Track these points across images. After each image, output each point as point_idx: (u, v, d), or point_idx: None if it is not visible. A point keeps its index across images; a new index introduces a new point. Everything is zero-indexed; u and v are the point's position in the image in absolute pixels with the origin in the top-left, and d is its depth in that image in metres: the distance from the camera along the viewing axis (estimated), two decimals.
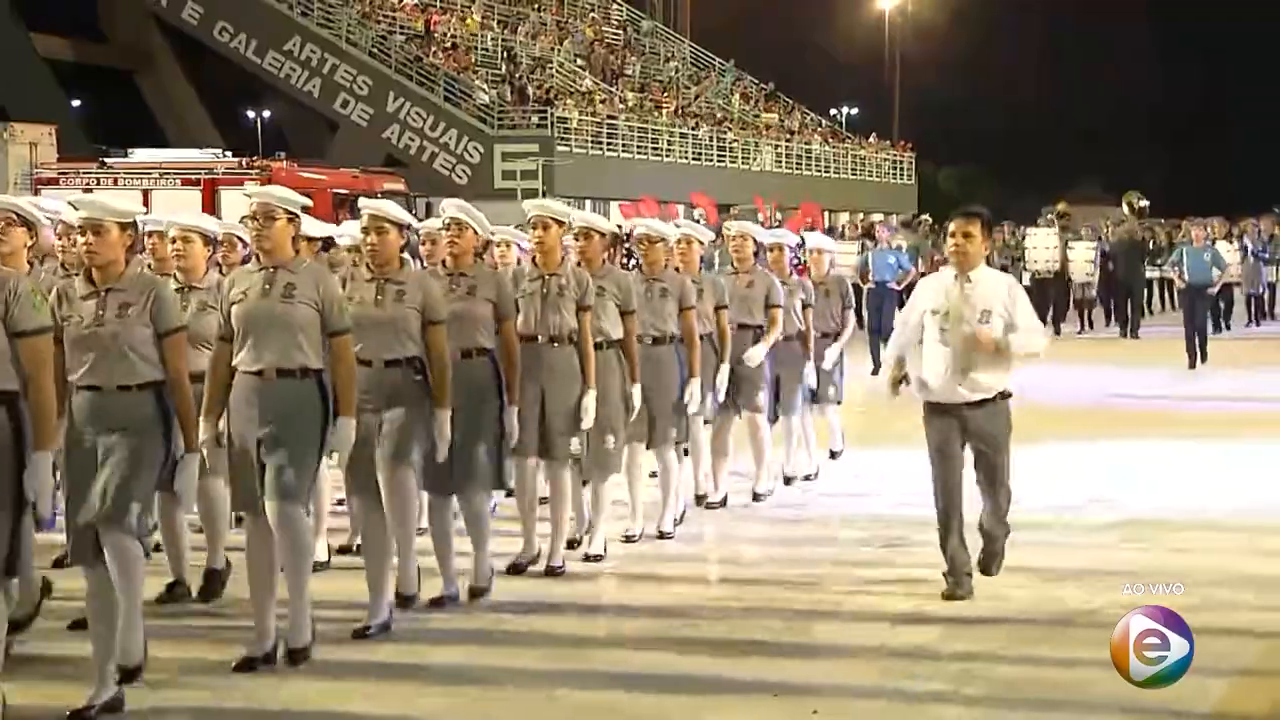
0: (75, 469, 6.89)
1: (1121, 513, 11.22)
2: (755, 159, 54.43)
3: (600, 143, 46.63)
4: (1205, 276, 22.15)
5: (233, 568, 8.73)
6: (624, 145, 47.74)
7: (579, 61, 52.72)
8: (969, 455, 8.80)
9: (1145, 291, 30.32)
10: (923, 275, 30.14)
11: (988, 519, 8.86)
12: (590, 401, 9.39)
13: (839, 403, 13.43)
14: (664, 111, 52.11)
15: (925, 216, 38.50)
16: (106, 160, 29.18)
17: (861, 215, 53.17)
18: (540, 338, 9.33)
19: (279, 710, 7.01)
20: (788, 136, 57.89)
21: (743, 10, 73.23)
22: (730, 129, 54.50)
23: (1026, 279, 30.14)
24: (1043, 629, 8.12)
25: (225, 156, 29.95)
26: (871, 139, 64.00)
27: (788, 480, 12.61)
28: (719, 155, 52.48)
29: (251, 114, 55.58)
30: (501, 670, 7.52)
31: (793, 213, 41.46)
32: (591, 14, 58.57)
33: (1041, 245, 29.31)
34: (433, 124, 44.37)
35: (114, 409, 6.84)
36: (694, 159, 50.98)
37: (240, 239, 9.65)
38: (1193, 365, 21.43)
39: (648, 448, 10.51)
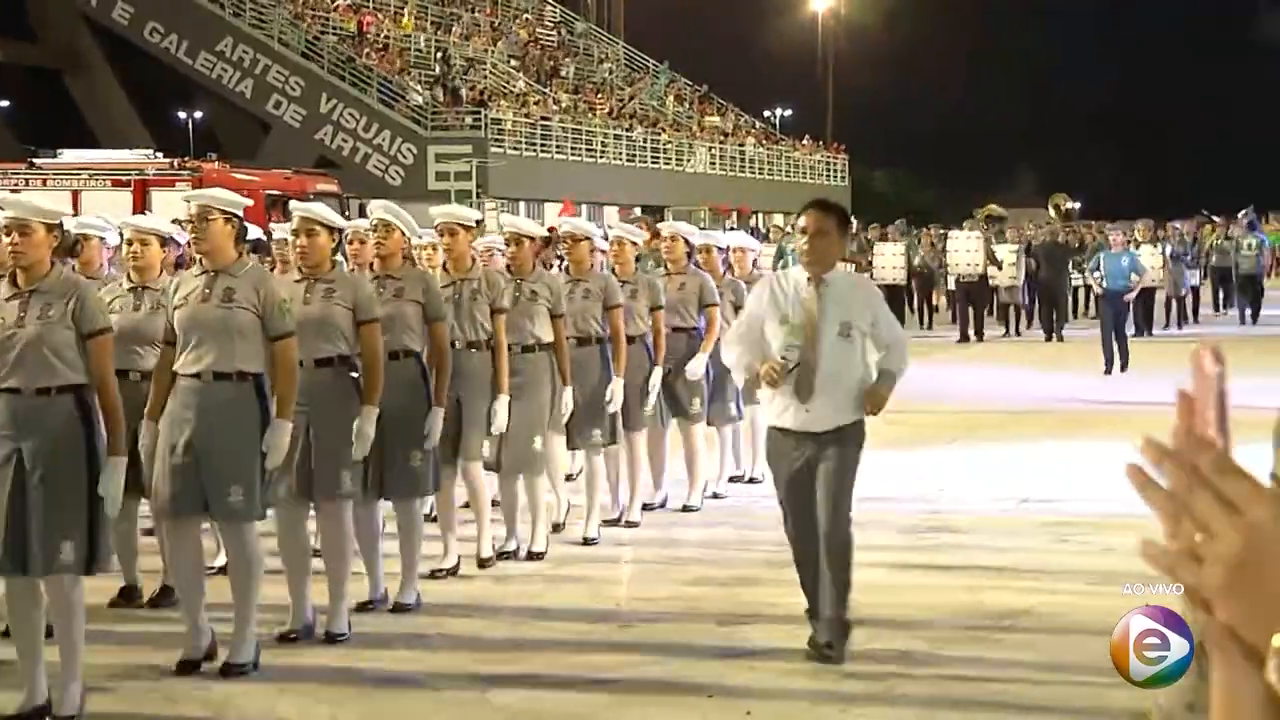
0: None
1: (1053, 514, 11.29)
2: (689, 160, 54.52)
3: (534, 144, 46.59)
4: (1123, 281, 21.78)
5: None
6: (558, 146, 47.72)
7: (513, 63, 52.66)
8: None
9: (1070, 294, 30.18)
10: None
11: (827, 537, 7.49)
12: (500, 406, 9.39)
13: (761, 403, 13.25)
14: (598, 113, 52.13)
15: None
16: (35, 161, 28.95)
17: (795, 217, 53.37)
18: (455, 343, 9.32)
19: (209, 717, 6.97)
20: (722, 138, 58.02)
21: (677, 12, 73.43)
22: (664, 130, 54.57)
23: (950, 282, 30.01)
24: (975, 630, 8.16)
25: (156, 157, 29.76)
26: (805, 141, 64.22)
27: (751, 480, 12.61)
28: (653, 157, 52.55)
29: (183, 115, 55.21)
30: (435, 673, 7.51)
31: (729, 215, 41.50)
32: (525, 15, 58.55)
33: (964, 248, 28.85)
34: (366, 125, 44.22)
35: (33, 412, 6.73)
36: (628, 160, 51.04)
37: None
38: (1109, 370, 21.09)
39: (570, 448, 10.51)
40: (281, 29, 45.27)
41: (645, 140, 52.49)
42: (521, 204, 43.41)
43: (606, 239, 11.23)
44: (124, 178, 27.50)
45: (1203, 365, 1.38)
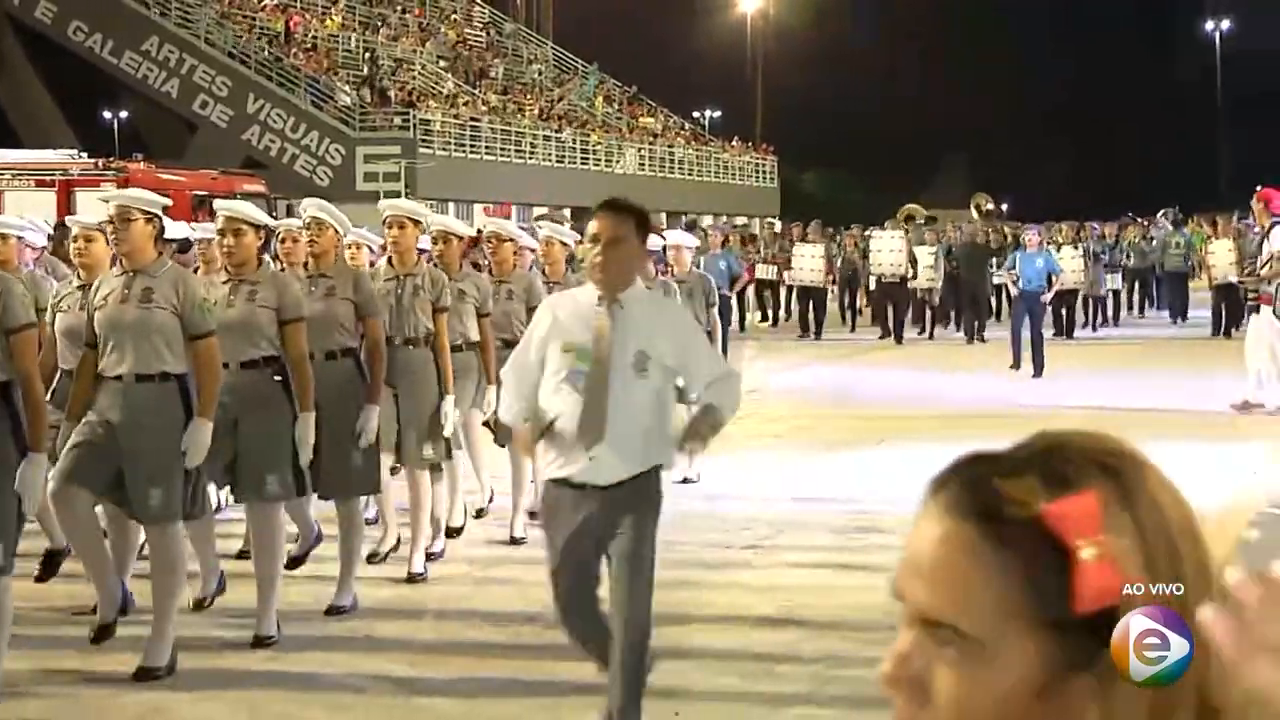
0: None
1: None
2: (618, 162, 54.54)
3: (463, 145, 46.49)
4: (1038, 282, 21.53)
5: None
6: (487, 147, 47.63)
7: (441, 63, 52.52)
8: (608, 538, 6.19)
9: (992, 295, 30.11)
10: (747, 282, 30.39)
11: (624, 625, 6.15)
12: (449, 406, 9.39)
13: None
14: (527, 114, 52.07)
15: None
16: None
17: (725, 218, 53.48)
18: (396, 339, 9.30)
19: None
20: (651, 139, 58.07)
21: (606, 13, 73.38)
22: (593, 132, 54.57)
23: (871, 283, 30.11)
24: None
25: (81, 157, 29.47)
26: (734, 142, 64.37)
27: (685, 480, 12.66)
28: (582, 158, 52.54)
29: (108, 114, 54.78)
30: (360, 676, 7.48)
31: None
32: (453, 16, 58.40)
33: (886, 249, 28.76)
34: (293, 125, 44.01)
35: None
36: (557, 161, 51.00)
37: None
38: (1016, 365, 21.04)
39: (498, 443, 10.52)
40: (208, 29, 44.97)
41: (574, 141, 52.47)
42: (451, 205, 43.26)
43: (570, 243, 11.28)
44: (48, 178, 27.21)
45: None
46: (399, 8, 55.20)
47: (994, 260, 27.74)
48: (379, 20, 52.88)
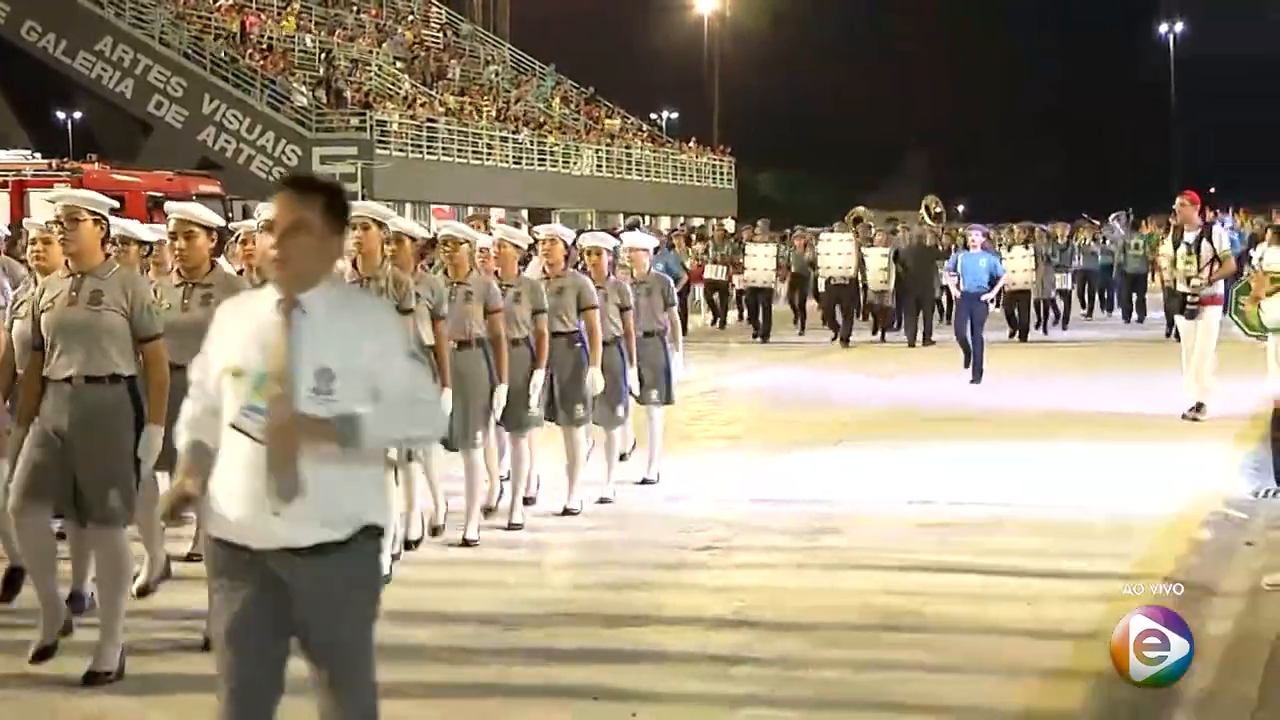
0: None
1: (938, 515, 11.37)
2: (576, 163, 54.51)
3: (420, 146, 46.39)
4: (981, 283, 20.96)
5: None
6: (444, 149, 47.54)
7: (398, 64, 52.39)
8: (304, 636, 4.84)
9: (941, 296, 29.88)
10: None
11: None
12: None
13: (668, 403, 12.99)
14: (484, 115, 51.98)
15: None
16: None
17: (682, 219, 53.53)
18: None
19: None
20: (608, 141, 58.04)
21: (563, 14, 73.32)
22: (551, 133, 54.51)
23: (820, 285, 29.82)
24: (861, 631, 8.20)
25: (34, 158, 29.28)
26: (691, 143, 64.40)
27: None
28: (539, 159, 52.48)
29: (62, 115, 54.45)
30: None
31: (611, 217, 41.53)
32: (410, 16, 58.25)
33: (836, 251, 28.57)
34: (249, 126, 43.85)
35: None
36: (514, 163, 50.94)
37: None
38: (968, 365, 20.67)
39: (448, 449, 10.46)
40: (163, 29, 44.75)
41: (532, 143, 52.42)
42: (407, 206, 43.15)
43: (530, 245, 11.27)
44: (1, 179, 27.03)
45: None
46: (355, 8, 55.05)
47: (941, 262, 27.60)
48: (335, 21, 52.72)
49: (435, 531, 10.76)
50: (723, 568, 9.83)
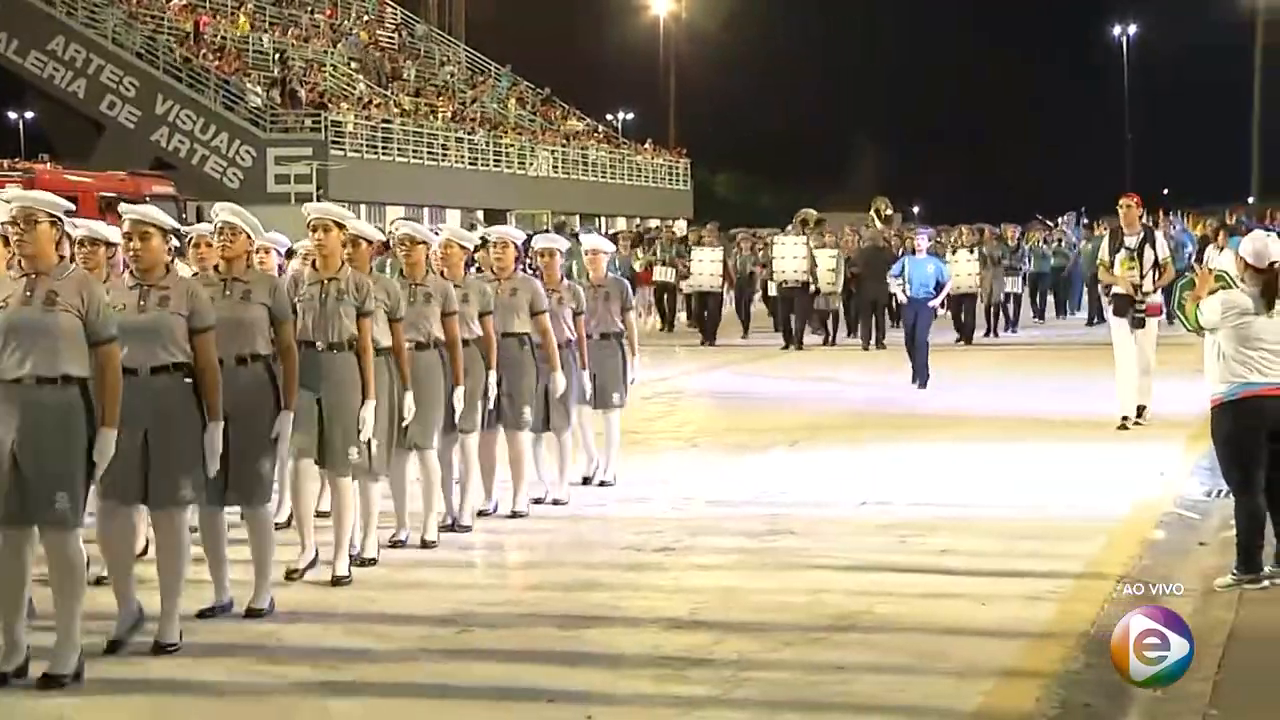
0: None
1: (890, 516, 11.41)
2: (532, 164, 54.46)
3: (375, 147, 46.29)
4: (927, 289, 20.41)
5: None
6: (399, 149, 47.45)
7: (353, 64, 52.27)
8: None
9: (893, 301, 29.49)
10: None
11: None
12: (369, 412, 9.33)
13: (620, 406, 12.93)
14: (440, 116, 51.89)
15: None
16: None
17: (638, 221, 53.55)
18: (319, 344, 9.24)
19: None
20: (564, 142, 58.01)
21: (518, 14, 73.26)
22: (507, 134, 54.45)
23: (772, 288, 29.35)
24: (815, 631, 8.21)
25: None
26: (648, 144, 64.43)
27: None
28: (495, 160, 52.41)
29: (13, 115, 54.10)
30: (271, 683, 7.41)
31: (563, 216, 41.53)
32: (365, 17, 58.09)
33: (790, 255, 28.04)
34: (203, 126, 43.67)
35: None
36: (470, 164, 50.87)
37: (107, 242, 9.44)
38: (923, 384, 20.03)
39: (405, 448, 10.41)
40: (115, 28, 44.53)
41: (487, 144, 52.34)
42: (362, 207, 43.02)
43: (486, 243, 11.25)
44: None
45: None
46: (309, 9, 54.88)
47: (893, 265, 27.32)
48: (289, 21, 52.55)
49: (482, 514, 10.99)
50: (678, 569, 9.83)
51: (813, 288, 27.96)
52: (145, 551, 9.12)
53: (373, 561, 9.84)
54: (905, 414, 17.57)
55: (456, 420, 10.67)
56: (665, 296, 32.51)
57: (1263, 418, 8.95)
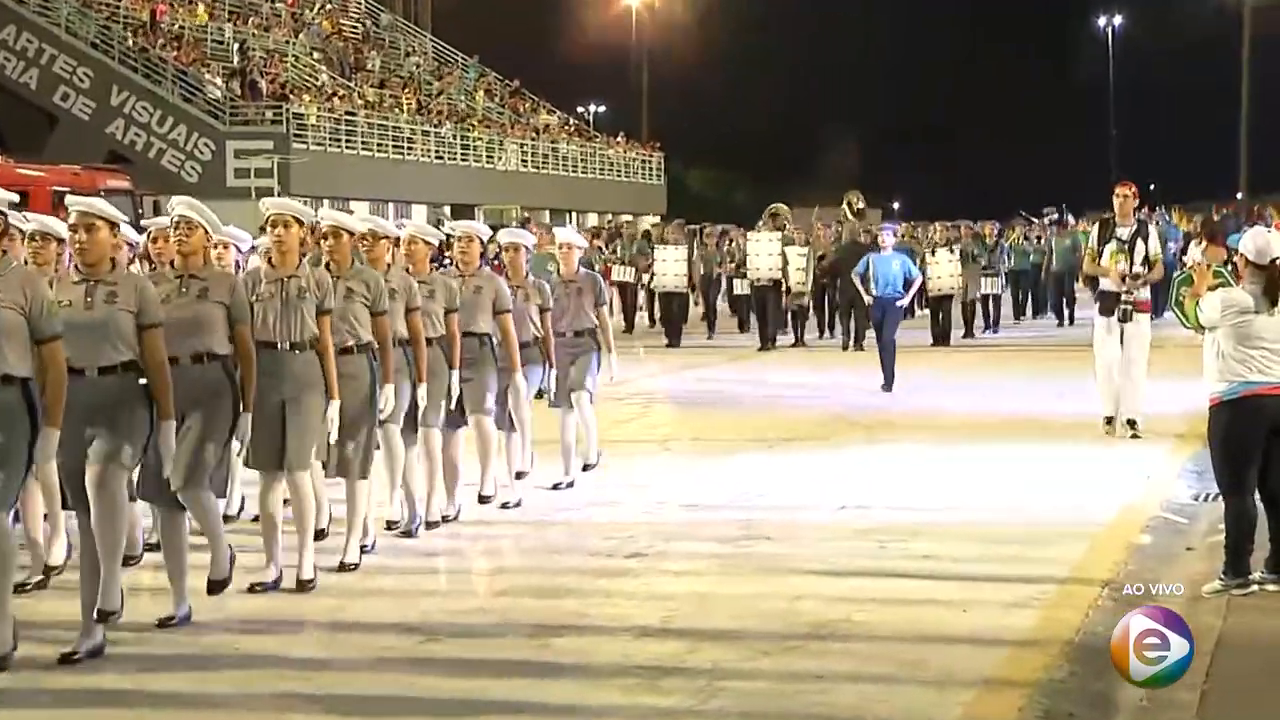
0: None
1: (870, 521, 11.41)
2: (500, 158, 54.40)
3: (339, 140, 46.17)
4: (894, 288, 20.00)
5: None
6: (364, 143, 47.33)
7: (315, 55, 52.11)
8: None
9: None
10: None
11: None
12: (334, 412, 9.32)
13: (589, 391, 12.82)
14: (405, 108, 51.78)
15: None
16: None
17: (610, 216, 53.52)
18: (280, 344, 9.21)
19: None
20: (534, 135, 57.96)
21: (486, 4, 73.21)
22: (474, 127, 54.37)
23: (743, 287, 28.79)
24: (792, 639, 8.20)
25: None
26: (620, 138, 64.41)
27: (519, 475, 12.56)
28: (463, 154, 52.33)
29: None
30: (231, 695, 7.37)
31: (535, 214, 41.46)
32: (328, 6, 57.93)
33: (764, 252, 27.44)
34: (160, 119, 43.49)
35: None
36: (436, 158, 50.78)
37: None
38: (888, 387, 19.72)
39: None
40: (69, 17, 44.32)
41: (454, 137, 52.26)
42: (325, 202, 42.93)
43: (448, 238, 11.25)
44: None
45: None
46: None
47: None
48: (249, 10, 52.38)
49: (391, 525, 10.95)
50: (650, 575, 9.82)
51: (784, 286, 27.64)
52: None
53: (353, 567, 9.84)
54: (884, 416, 17.58)
55: (419, 418, 10.65)
56: (626, 296, 32.06)
57: (1262, 417, 8.97)
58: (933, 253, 28.31)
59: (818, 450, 14.92)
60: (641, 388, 20.81)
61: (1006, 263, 31.68)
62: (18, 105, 45.35)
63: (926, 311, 29.46)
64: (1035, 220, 37.53)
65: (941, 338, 27.83)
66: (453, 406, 11.10)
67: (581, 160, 59.76)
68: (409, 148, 49.63)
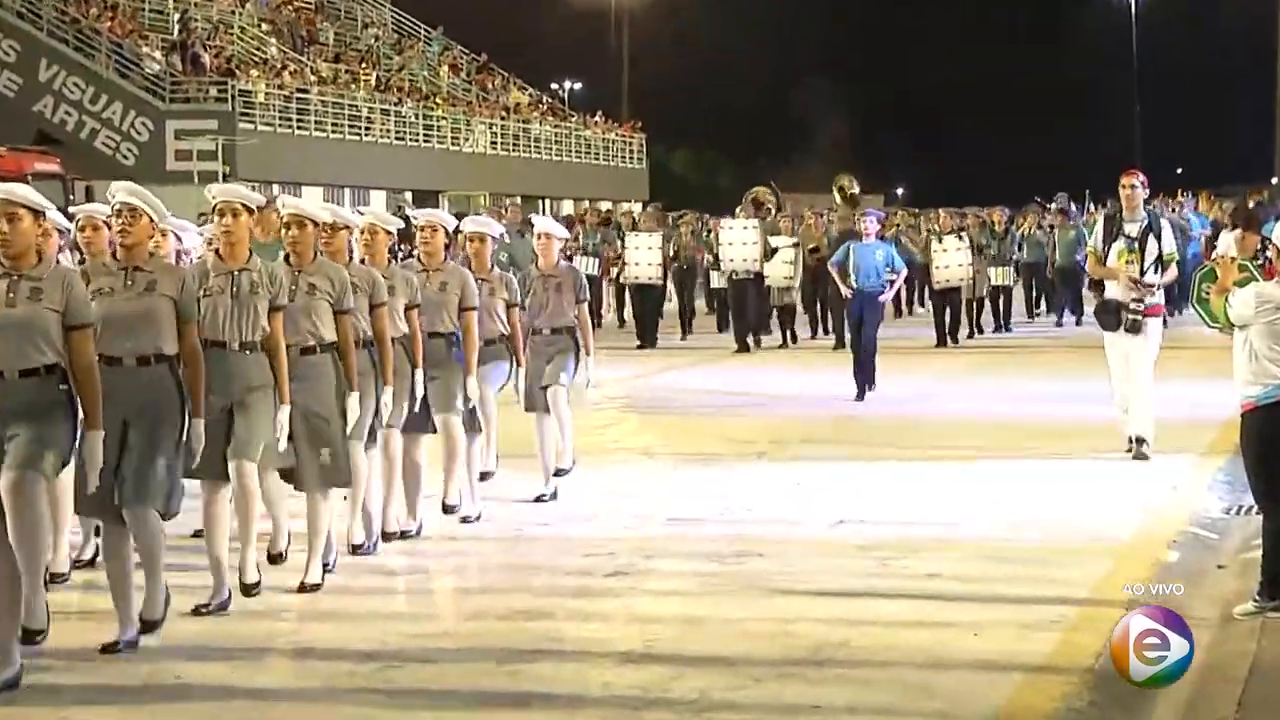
0: None
1: (871, 536, 11.41)
2: (467, 139, 54.38)
3: (289, 120, 46.12)
4: (876, 280, 19.51)
5: None
6: (317, 123, 47.29)
7: (264, 26, 52.05)
8: None
9: None
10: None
11: None
12: (284, 417, 9.31)
13: (565, 386, 12.77)
14: (362, 85, 51.74)
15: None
16: None
17: (587, 202, 53.48)
18: (229, 343, 9.19)
19: None
20: (503, 114, 57.94)
21: None
22: (439, 105, 54.35)
23: (716, 279, 28.40)
24: (785, 665, 8.21)
25: None
26: (598, 118, 64.41)
27: (483, 476, 12.55)
28: (425, 135, 52.31)
29: None
30: None
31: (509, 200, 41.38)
32: None
33: (740, 241, 26.61)
34: (93, 96, 43.42)
35: None
36: (397, 139, 50.74)
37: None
38: (860, 396, 19.32)
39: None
40: None
41: (416, 116, 52.23)
42: (275, 188, 42.87)
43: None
44: None
45: None
46: None
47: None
48: None
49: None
50: (632, 595, 9.82)
51: (767, 281, 26.96)
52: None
53: (315, 587, 9.82)
54: (884, 422, 17.58)
55: (377, 420, 10.64)
56: (590, 291, 31.35)
57: None
58: (940, 240, 27.99)
59: (812, 459, 14.92)
60: (616, 391, 20.77)
61: (1019, 253, 31.36)
62: None
63: (923, 308, 29.26)
64: (1048, 207, 37.39)
65: (950, 336, 27.65)
66: (416, 408, 11.08)
67: (556, 142, 59.76)
68: (367, 128, 49.58)
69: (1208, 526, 11.53)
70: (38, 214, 8.10)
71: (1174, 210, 34.57)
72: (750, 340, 26.85)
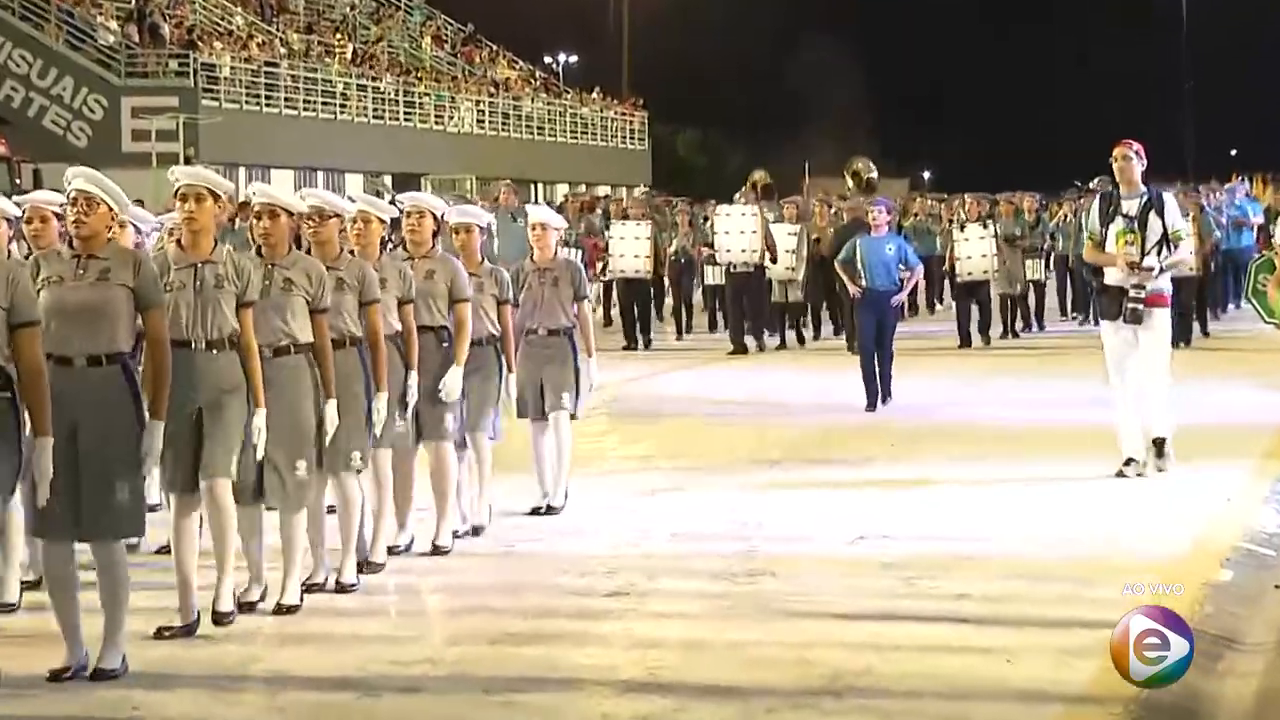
0: None
1: (896, 553, 11.42)
2: (452, 117, 54.43)
3: (257, 96, 46.20)
4: (888, 279, 19.09)
5: None
6: (287, 99, 47.37)
7: None
8: None
9: None
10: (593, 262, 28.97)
11: None
12: (260, 421, 9.32)
13: (571, 411, 12.90)
14: (337, 58, 51.81)
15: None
16: None
17: (584, 186, 53.51)
18: (194, 342, 9.20)
19: None
20: (491, 90, 57.97)
21: None
22: (421, 81, 54.39)
23: (713, 274, 28.16)
24: (801, 696, 8.22)
25: None
26: (595, 94, 64.44)
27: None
28: (406, 113, 52.36)
29: None
30: None
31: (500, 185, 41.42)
32: None
33: (738, 229, 26.28)
34: (42, 70, 43.50)
35: None
36: (375, 117, 50.82)
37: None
38: (871, 406, 19.00)
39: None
40: None
41: (396, 93, 52.28)
42: (241, 170, 42.93)
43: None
44: None
45: None
46: None
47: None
48: None
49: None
50: (633, 618, 9.84)
51: (767, 274, 26.64)
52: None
53: (294, 608, 9.84)
54: (906, 429, 17.60)
55: (376, 433, 10.63)
56: None
57: None
58: (961, 229, 27.73)
59: (828, 470, 14.93)
60: (611, 395, 20.76)
61: (1053, 244, 30.95)
62: None
63: (943, 305, 29.10)
64: (1090, 190, 37.22)
65: (978, 333, 27.31)
66: (408, 415, 11.07)
67: (549, 121, 59.85)
68: (342, 106, 49.67)
69: (1264, 543, 11.55)
70: None
71: (1214, 195, 33.95)
72: (751, 341, 26.72)
